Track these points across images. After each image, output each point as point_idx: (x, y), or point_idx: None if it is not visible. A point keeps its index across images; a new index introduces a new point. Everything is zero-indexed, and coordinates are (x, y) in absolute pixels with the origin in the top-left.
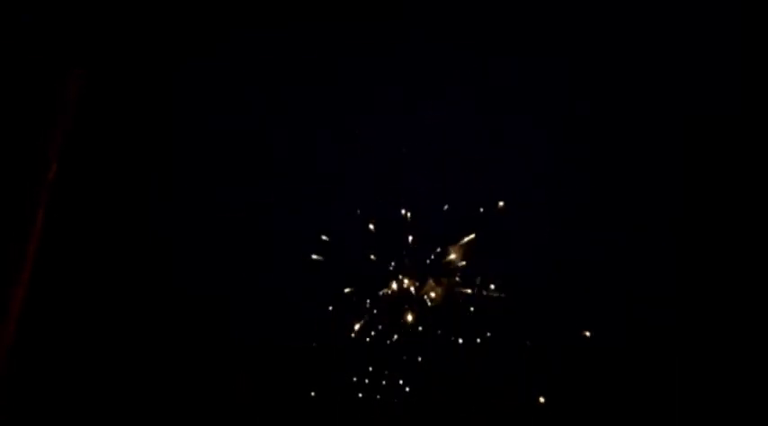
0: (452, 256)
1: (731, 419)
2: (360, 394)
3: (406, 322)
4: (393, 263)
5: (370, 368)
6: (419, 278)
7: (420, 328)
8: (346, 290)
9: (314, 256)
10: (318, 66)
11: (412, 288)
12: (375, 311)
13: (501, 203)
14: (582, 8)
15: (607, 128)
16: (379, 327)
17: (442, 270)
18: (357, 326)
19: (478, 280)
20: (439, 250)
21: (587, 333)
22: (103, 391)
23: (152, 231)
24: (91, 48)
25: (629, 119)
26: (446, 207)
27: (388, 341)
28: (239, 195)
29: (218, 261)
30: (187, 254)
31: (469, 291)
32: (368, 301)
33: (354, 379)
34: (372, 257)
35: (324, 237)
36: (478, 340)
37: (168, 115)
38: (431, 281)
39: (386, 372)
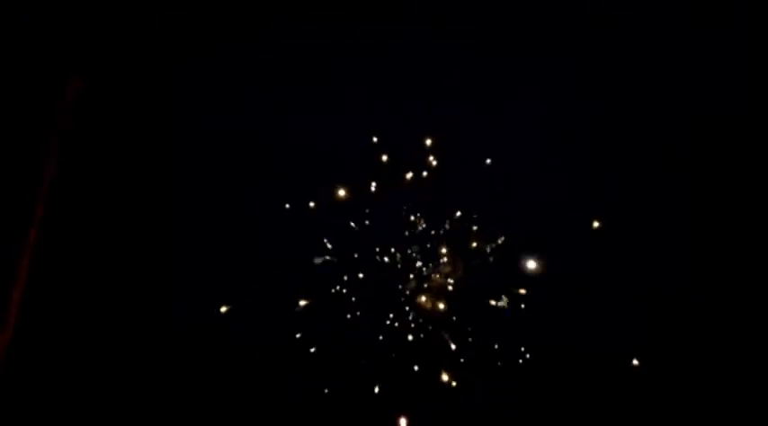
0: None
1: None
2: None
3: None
4: (397, 264)
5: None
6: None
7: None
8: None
9: (317, 260)
10: (319, 66)
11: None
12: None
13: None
14: (582, 8)
15: (607, 130)
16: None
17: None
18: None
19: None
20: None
21: (590, 334)
22: (97, 388)
23: (150, 231)
24: (91, 50)
25: (629, 121)
26: (447, 207)
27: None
28: (237, 195)
29: (216, 262)
30: (184, 254)
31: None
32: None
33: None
34: (376, 259)
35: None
36: (481, 344)
37: (167, 116)
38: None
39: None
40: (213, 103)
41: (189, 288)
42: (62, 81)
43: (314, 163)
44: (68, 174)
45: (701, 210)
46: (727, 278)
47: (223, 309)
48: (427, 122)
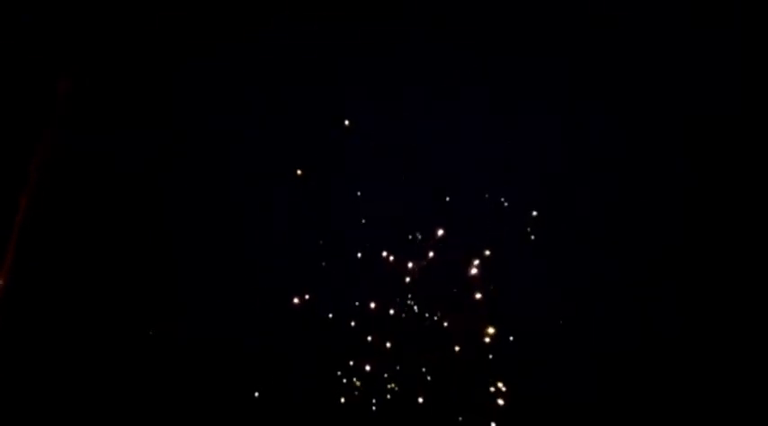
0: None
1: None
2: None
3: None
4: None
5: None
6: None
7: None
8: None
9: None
10: (318, 67)
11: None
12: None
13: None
14: (582, 8)
15: (608, 130)
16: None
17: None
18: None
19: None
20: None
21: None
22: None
23: (140, 232)
24: (87, 50)
25: (629, 121)
26: (449, 209)
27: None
28: (233, 195)
29: (213, 264)
30: (179, 256)
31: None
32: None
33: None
34: (375, 261)
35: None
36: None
37: (163, 116)
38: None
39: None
40: (212, 104)
41: (180, 290)
42: (55, 81)
43: (313, 164)
44: (56, 174)
45: (703, 213)
46: (728, 279)
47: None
48: (426, 122)
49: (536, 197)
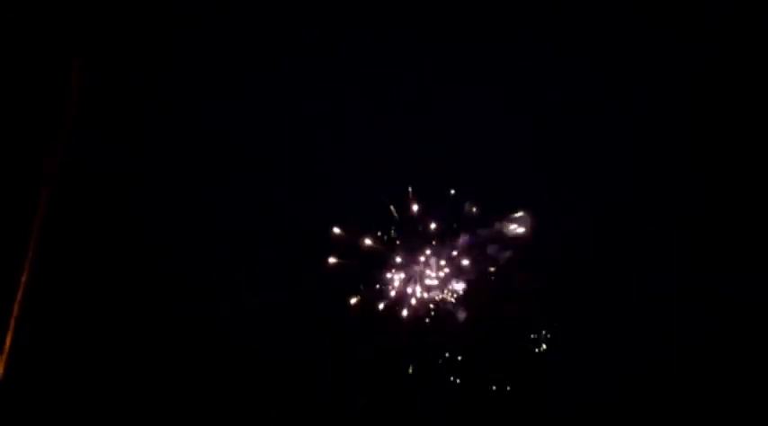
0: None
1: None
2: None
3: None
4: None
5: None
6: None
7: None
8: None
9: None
10: (317, 66)
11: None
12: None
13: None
14: (580, 8)
15: (608, 129)
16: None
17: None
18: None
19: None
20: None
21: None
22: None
23: (146, 227)
24: (92, 38)
25: (629, 120)
26: (449, 206)
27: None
28: (234, 191)
29: (213, 261)
30: (180, 252)
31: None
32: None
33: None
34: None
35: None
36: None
37: (167, 107)
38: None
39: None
40: (207, 95)
41: (179, 285)
42: (65, 72)
43: (310, 163)
44: (69, 167)
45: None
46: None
47: None
48: (426, 121)
49: (532, 195)
